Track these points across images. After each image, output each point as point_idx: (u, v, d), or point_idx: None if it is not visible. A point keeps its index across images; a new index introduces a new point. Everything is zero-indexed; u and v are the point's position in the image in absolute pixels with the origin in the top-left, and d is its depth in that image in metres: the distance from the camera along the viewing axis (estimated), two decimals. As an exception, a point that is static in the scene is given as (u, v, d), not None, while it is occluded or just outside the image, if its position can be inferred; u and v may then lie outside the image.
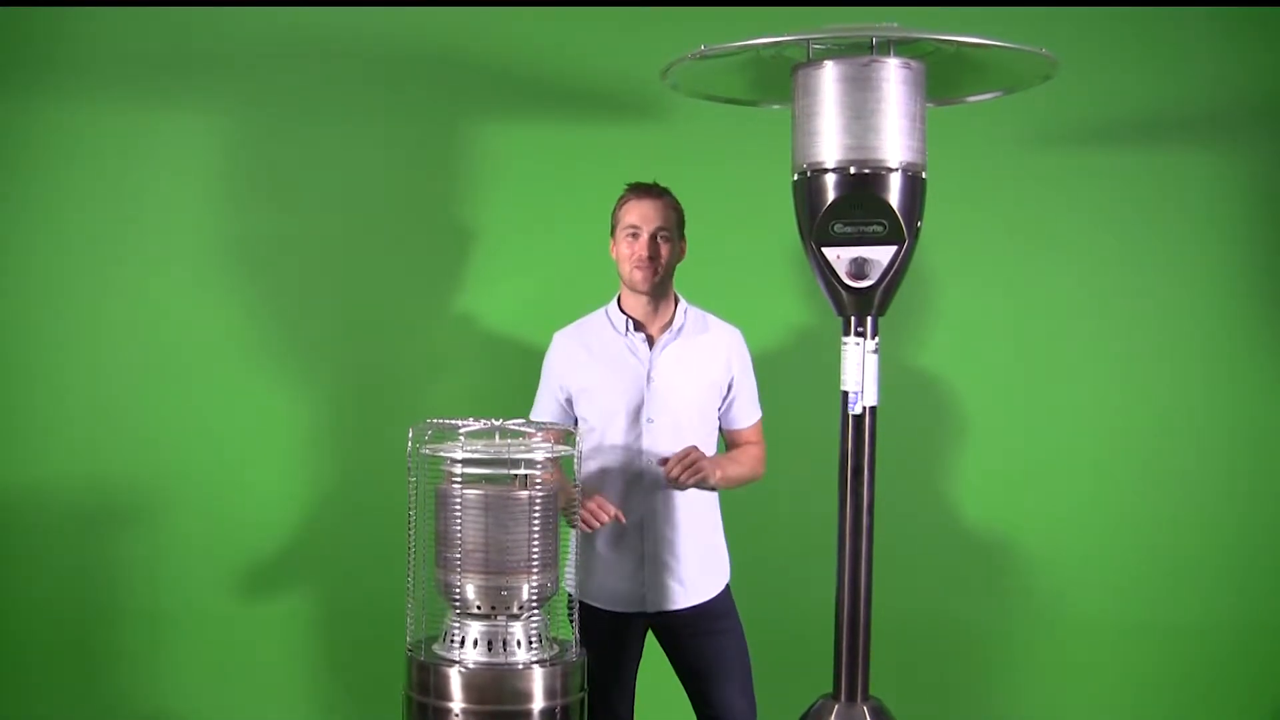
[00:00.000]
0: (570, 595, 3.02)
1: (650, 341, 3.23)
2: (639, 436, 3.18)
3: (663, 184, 3.24)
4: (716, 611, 3.27)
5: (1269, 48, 3.95)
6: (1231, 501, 4.02)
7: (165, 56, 3.87)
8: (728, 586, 3.31)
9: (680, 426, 3.18)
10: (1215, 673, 4.05)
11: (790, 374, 3.78)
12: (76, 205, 3.90)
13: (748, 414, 3.32)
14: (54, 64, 3.86)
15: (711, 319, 3.31)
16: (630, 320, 3.23)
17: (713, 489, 3.23)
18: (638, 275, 3.18)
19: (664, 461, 3.13)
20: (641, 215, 3.19)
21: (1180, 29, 3.93)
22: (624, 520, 3.10)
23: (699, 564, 3.24)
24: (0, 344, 3.91)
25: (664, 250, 3.19)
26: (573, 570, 3.01)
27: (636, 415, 3.18)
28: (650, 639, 3.32)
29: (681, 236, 3.25)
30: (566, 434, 3.03)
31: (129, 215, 3.91)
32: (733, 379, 3.27)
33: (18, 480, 3.91)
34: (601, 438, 3.18)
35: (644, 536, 3.19)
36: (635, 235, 3.18)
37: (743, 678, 3.28)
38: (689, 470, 3.09)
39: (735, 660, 3.27)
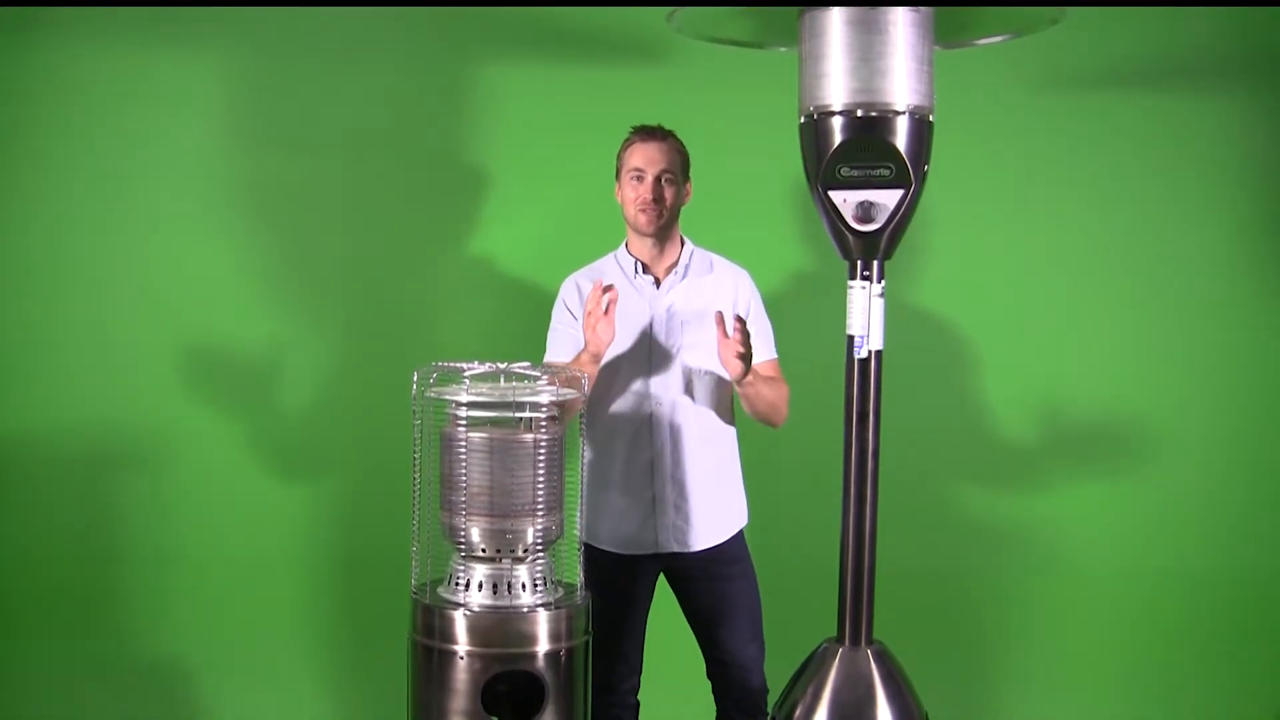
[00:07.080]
0: (577, 538, 3.01)
1: (657, 283, 3.22)
2: (647, 380, 3.18)
3: (669, 126, 3.21)
4: (729, 556, 3.27)
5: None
6: (1241, 448, 4.02)
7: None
8: (742, 531, 3.31)
9: (687, 368, 3.18)
10: (1220, 623, 4.06)
11: (793, 318, 3.76)
12: (79, 149, 3.88)
13: (758, 350, 3.23)
14: (56, 6, 3.82)
15: (717, 260, 3.29)
16: (638, 263, 3.22)
17: (740, 385, 3.11)
18: (642, 218, 3.17)
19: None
20: (646, 158, 3.17)
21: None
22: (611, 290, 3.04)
23: (711, 506, 3.24)
24: (2, 289, 3.90)
25: (668, 193, 3.17)
26: (581, 513, 3.01)
27: (644, 358, 3.18)
28: (662, 583, 3.33)
29: (686, 179, 3.23)
30: (572, 377, 3.03)
31: (132, 159, 3.89)
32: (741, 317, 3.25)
33: (21, 424, 3.91)
34: (611, 380, 3.17)
35: (654, 478, 3.19)
36: (640, 178, 3.17)
37: (753, 623, 3.28)
38: (740, 342, 3.00)
39: (746, 606, 3.28)
